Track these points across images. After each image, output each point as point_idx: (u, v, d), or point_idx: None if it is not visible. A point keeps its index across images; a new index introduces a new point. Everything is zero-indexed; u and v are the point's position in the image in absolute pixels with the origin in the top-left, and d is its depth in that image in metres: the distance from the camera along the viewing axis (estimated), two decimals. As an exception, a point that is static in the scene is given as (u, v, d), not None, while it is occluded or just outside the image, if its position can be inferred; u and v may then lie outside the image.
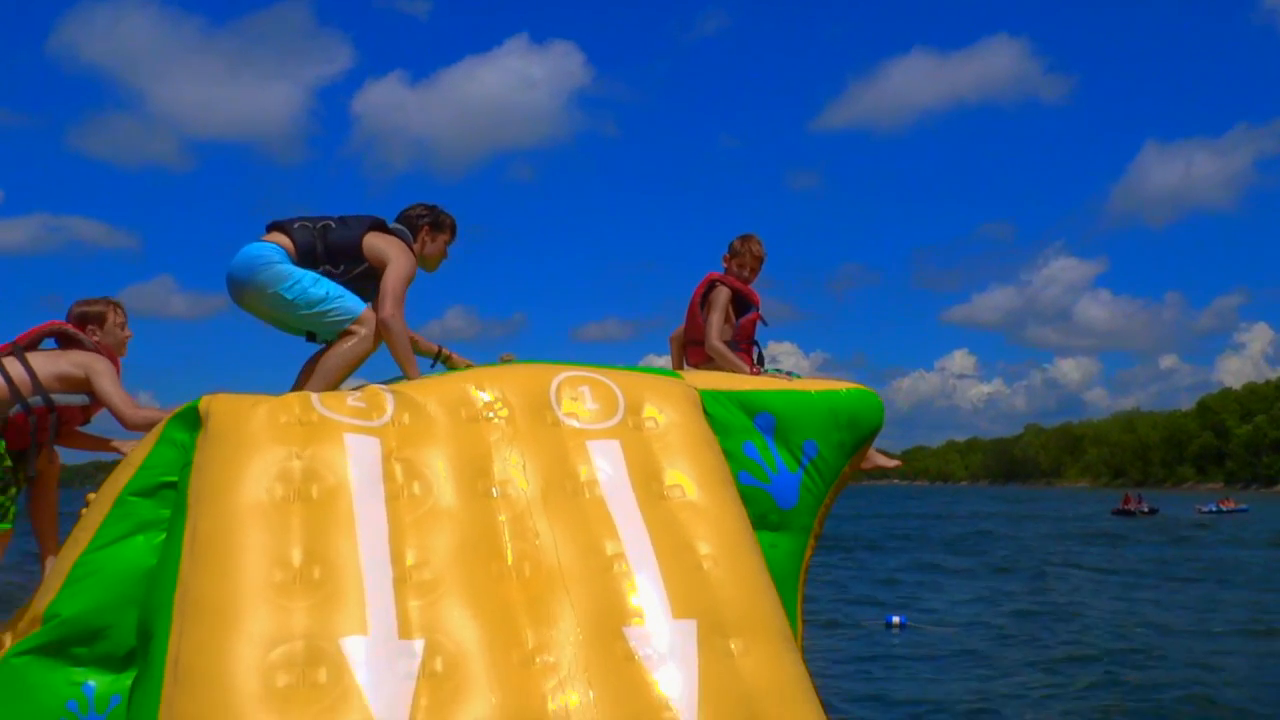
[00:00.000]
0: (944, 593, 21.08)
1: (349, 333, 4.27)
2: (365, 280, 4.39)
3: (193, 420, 3.50)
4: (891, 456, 5.11)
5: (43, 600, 3.50)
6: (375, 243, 4.41)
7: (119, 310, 4.52)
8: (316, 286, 4.25)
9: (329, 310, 4.25)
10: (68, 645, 3.45)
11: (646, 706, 2.96)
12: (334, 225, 4.41)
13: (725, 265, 5.41)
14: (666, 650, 3.09)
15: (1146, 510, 60.97)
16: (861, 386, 4.41)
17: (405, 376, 4.20)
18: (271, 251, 4.28)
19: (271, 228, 4.43)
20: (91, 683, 3.45)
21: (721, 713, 3.00)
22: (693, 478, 3.61)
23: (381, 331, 4.26)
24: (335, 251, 4.36)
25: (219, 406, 3.47)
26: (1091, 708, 10.87)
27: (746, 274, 5.40)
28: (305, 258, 4.32)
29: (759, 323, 5.40)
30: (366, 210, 4.58)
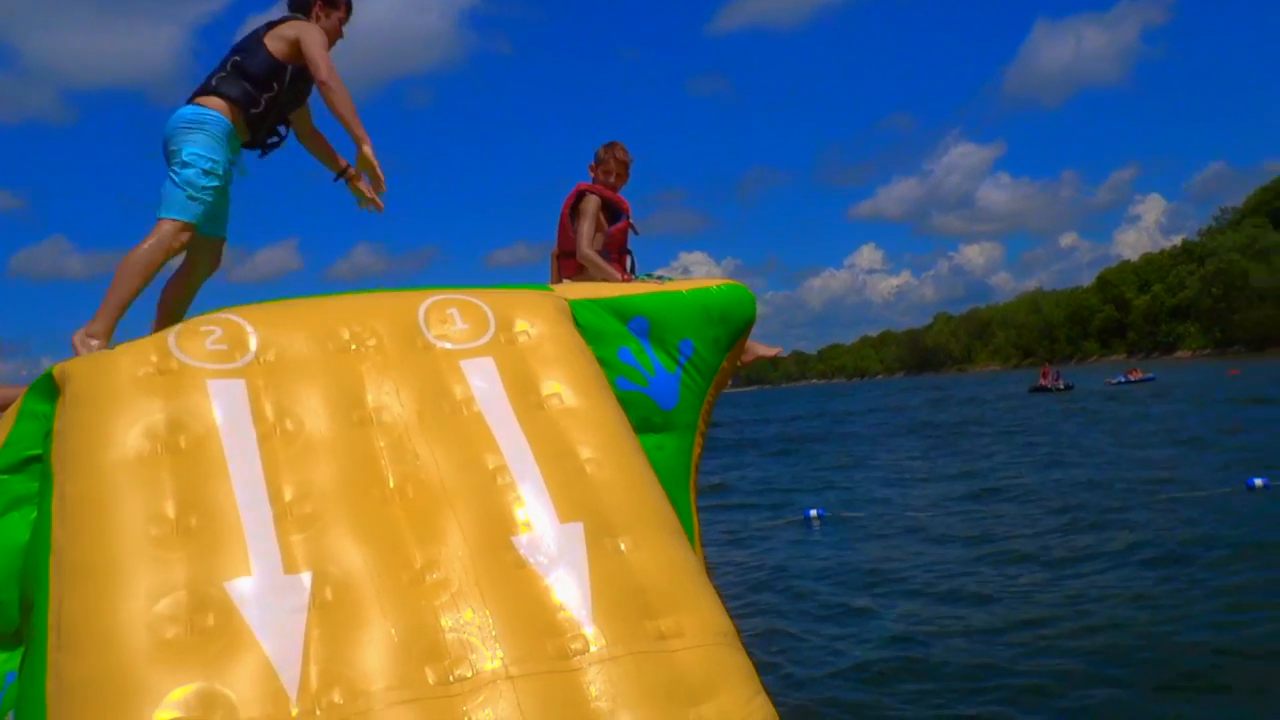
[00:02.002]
0: (867, 486, 21.53)
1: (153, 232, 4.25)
2: (299, 80, 4.46)
3: (49, 389, 3.42)
4: (771, 346, 5.20)
5: None
6: (279, 35, 4.39)
7: None
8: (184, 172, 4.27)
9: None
10: None
11: (540, 610, 3.01)
12: (241, 59, 4.36)
13: (592, 174, 5.42)
14: (556, 554, 3.14)
15: (1062, 386, 61.41)
16: (732, 281, 4.47)
17: (352, 135, 4.33)
18: (197, 116, 4.31)
19: (196, 95, 4.36)
20: None
21: (615, 608, 3.07)
22: (569, 385, 3.64)
23: (324, 94, 4.33)
24: (261, 79, 4.34)
25: (75, 369, 3.39)
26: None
27: (614, 180, 5.42)
28: (246, 103, 4.35)
29: (630, 230, 5.42)
30: None
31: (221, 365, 3.39)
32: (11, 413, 3.49)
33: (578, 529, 3.21)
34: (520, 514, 3.22)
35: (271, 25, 4.48)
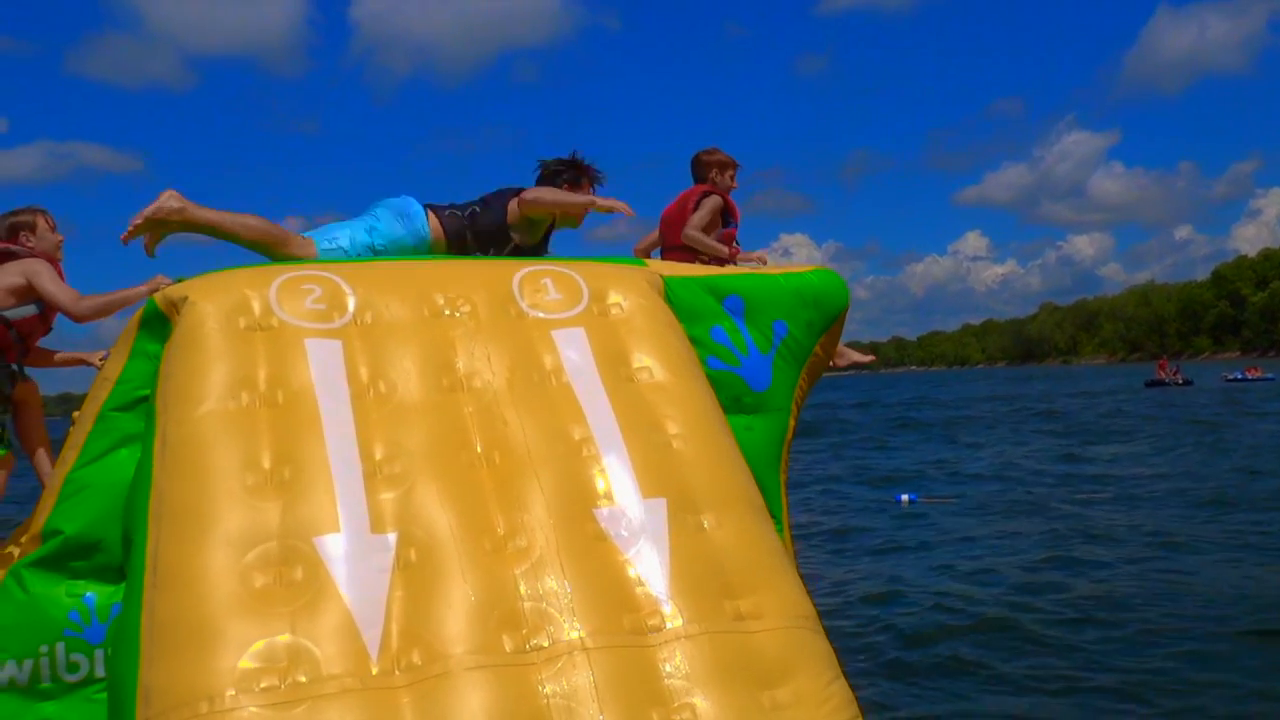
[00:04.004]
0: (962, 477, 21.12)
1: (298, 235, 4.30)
2: (515, 257, 4.42)
3: (161, 330, 3.50)
4: (865, 351, 5.17)
5: (40, 518, 3.64)
6: (518, 212, 4.43)
7: (46, 216, 4.62)
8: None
9: None
10: (66, 559, 3.61)
11: (619, 583, 3.02)
12: (479, 210, 4.41)
13: (709, 177, 5.47)
14: (637, 528, 3.14)
15: (1181, 381, 58.89)
16: (825, 267, 4.42)
17: (575, 214, 4.48)
18: (417, 219, 4.36)
19: (428, 203, 4.44)
20: (91, 594, 3.62)
21: (694, 585, 3.06)
22: (658, 360, 3.62)
23: (526, 211, 4.42)
24: (484, 237, 4.40)
25: (184, 306, 3.45)
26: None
27: (729, 182, 5.48)
28: (455, 245, 4.37)
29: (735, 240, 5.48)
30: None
31: (320, 325, 3.45)
32: (125, 348, 3.59)
33: (660, 504, 3.21)
34: (603, 486, 3.22)
35: (521, 192, 4.51)
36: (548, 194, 4.43)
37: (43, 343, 4.72)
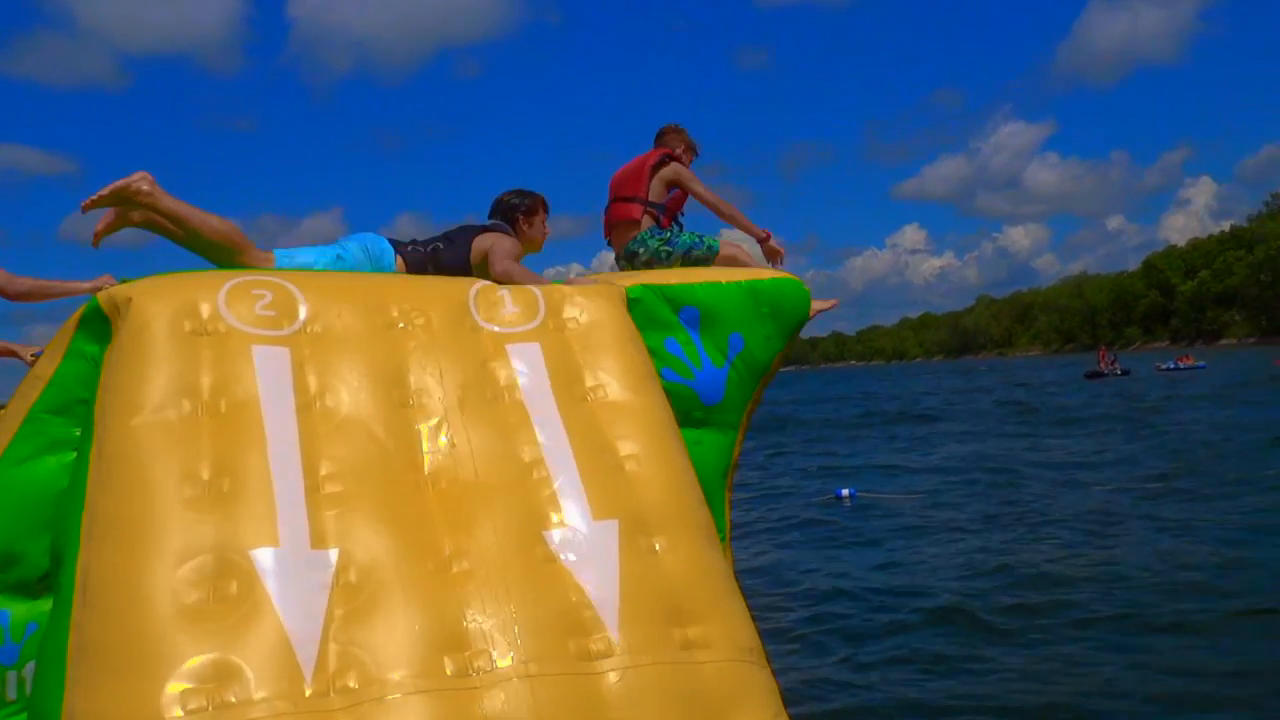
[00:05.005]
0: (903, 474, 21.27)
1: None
2: None
3: (101, 331, 3.35)
4: (826, 300, 5.07)
5: None
6: (479, 246, 4.38)
7: None
8: None
9: None
10: None
11: (567, 607, 2.97)
12: (443, 247, 4.38)
13: (676, 155, 5.39)
14: (587, 551, 3.09)
15: (1120, 372, 58.90)
16: (788, 276, 4.38)
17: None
18: (385, 255, 4.31)
19: (394, 241, 4.40)
20: (5, 611, 3.40)
21: (643, 609, 3.02)
22: (615, 376, 3.58)
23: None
24: (447, 272, 4.31)
25: (124, 309, 3.30)
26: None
27: (686, 159, 5.49)
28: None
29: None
30: None
31: (268, 331, 3.33)
32: (60, 347, 3.40)
33: (612, 526, 3.17)
34: (554, 509, 3.17)
35: (483, 230, 4.49)
36: (517, 271, 4.38)
37: None
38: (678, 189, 5.33)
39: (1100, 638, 8.31)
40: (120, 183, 3.86)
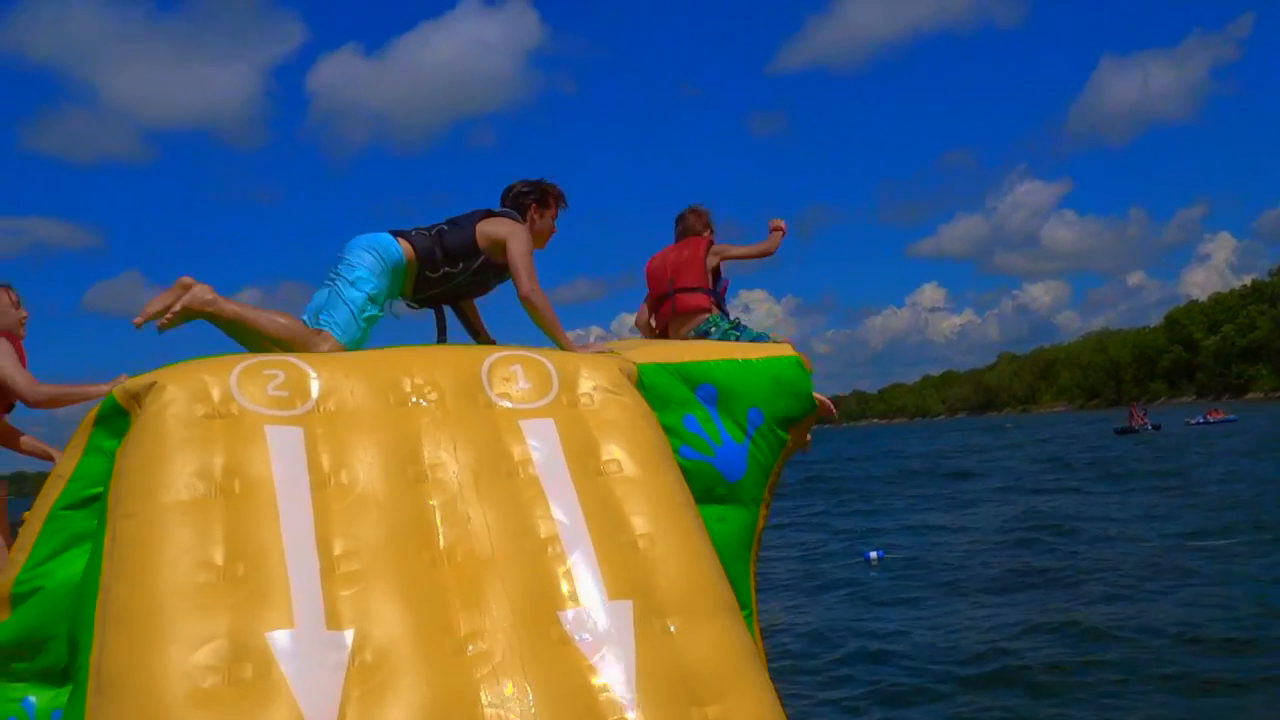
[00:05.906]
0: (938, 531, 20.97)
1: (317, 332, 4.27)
2: (484, 272, 4.47)
3: (118, 426, 3.37)
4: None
5: None
6: (487, 230, 4.43)
7: (10, 292, 4.54)
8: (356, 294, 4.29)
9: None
10: (8, 661, 3.43)
11: (582, 690, 2.92)
12: (447, 229, 4.44)
13: (704, 233, 5.59)
14: (602, 633, 3.04)
15: (1151, 427, 57.84)
16: (791, 354, 4.33)
17: (559, 348, 4.15)
18: (390, 245, 4.35)
19: (393, 230, 4.46)
20: (32, 698, 3.44)
21: (661, 693, 2.96)
22: (628, 453, 3.54)
23: (526, 308, 4.33)
24: (453, 253, 4.40)
25: (141, 401, 3.33)
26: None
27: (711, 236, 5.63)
28: (425, 262, 4.37)
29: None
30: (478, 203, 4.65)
31: (281, 412, 3.33)
32: (80, 445, 3.44)
33: (626, 607, 3.12)
34: (568, 588, 3.13)
35: (490, 214, 4.52)
36: (539, 300, 4.36)
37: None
38: (725, 280, 5.53)
39: (1142, 694, 8.15)
40: (186, 298, 4.05)
